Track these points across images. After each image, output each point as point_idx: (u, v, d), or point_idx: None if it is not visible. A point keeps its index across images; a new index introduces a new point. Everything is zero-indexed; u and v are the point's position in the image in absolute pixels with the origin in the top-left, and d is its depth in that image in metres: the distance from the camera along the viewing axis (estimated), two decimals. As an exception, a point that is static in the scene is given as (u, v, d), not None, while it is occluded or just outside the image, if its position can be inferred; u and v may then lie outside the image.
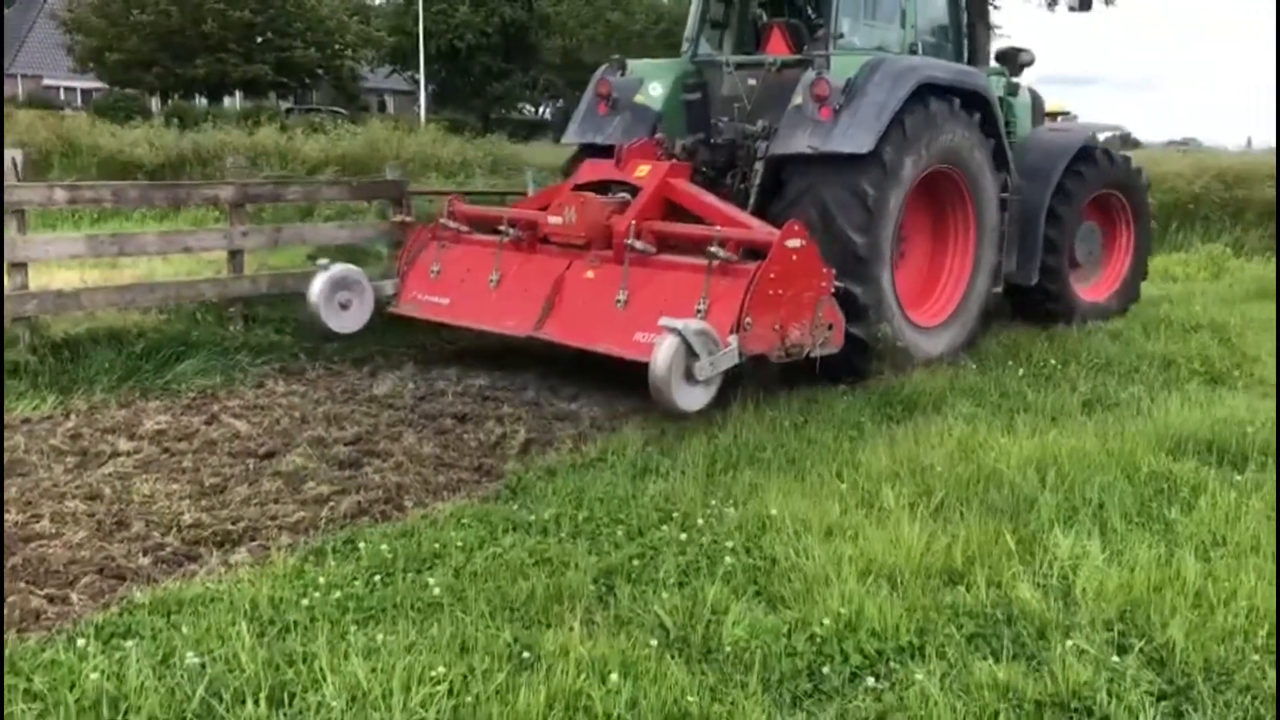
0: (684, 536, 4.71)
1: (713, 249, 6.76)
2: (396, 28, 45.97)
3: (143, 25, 34.49)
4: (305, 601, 4.04)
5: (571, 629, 3.88)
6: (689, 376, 6.18)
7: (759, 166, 8.04)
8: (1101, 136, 11.09)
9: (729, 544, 4.64)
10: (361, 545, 4.60)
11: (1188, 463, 5.83)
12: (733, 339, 6.41)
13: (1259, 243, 16.77)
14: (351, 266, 8.20)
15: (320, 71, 40.08)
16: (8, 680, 3.44)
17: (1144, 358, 8.53)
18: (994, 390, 7.49)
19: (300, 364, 7.94)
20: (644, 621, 3.98)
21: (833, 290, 7.02)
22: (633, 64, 9.28)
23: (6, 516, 4.83)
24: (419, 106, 45.60)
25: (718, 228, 7.09)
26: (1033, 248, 9.55)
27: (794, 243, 6.76)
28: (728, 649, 3.75)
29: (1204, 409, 6.86)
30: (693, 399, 6.27)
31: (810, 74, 7.84)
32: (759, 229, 7.14)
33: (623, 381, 7.65)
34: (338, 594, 4.12)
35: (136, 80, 36.09)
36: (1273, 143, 45.11)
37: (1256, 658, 3.72)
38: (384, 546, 4.56)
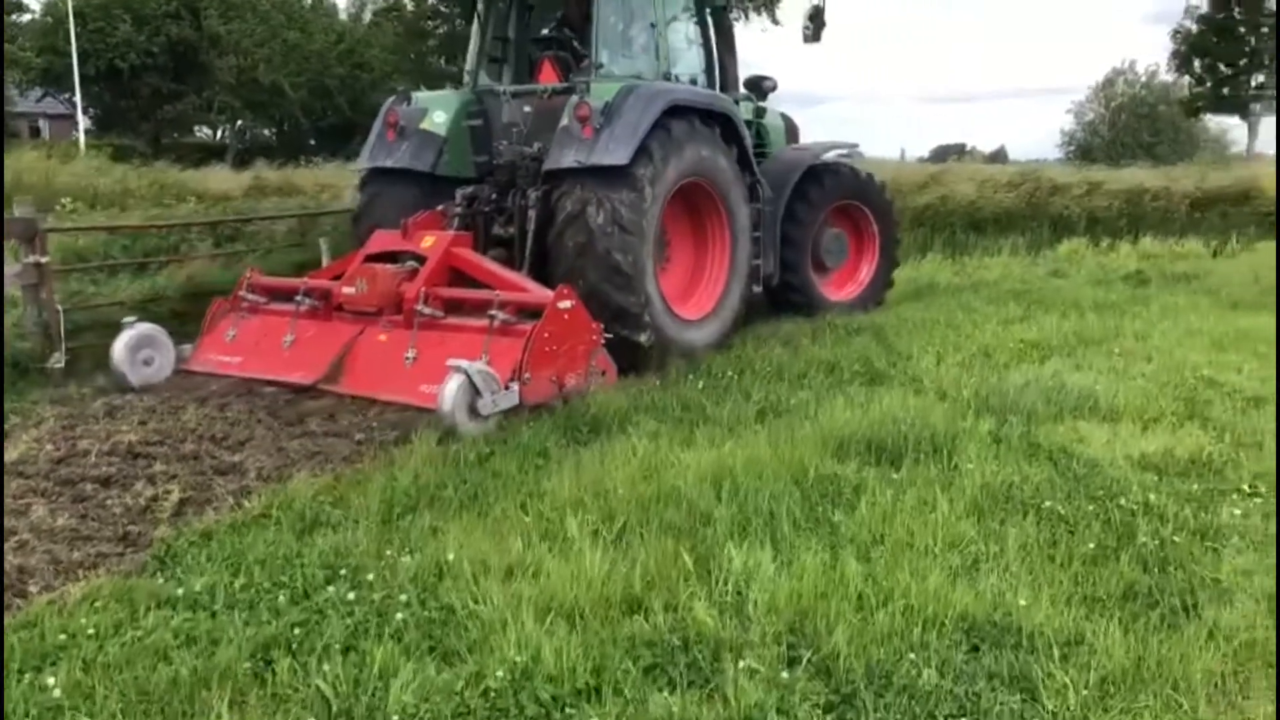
0: (353, 595, 4.39)
1: (493, 312, 7.56)
2: (47, 47, 42.01)
3: None
4: (-111, 726, 3.43)
5: (220, 716, 3.50)
6: (473, 411, 6.86)
7: (530, 194, 9.01)
8: (835, 153, 12.31)
9: (402, 598, 4.37)
10: (-31, 647, 3.98)
11: (851, 464, 6.12)
12: (513, 384, 7.16)
13: (910, 246, 18.24)
14: (154, 326, 8.43)
15: (-47, 95, 35.97)
16: None
17: (811, 363, 8.97)
18: (676, 404, 7.61)
19: (-88, 432, 6.92)
20: (303, 697, 3.65)
21: (603, 341, 7.90)
22: (418, 95, 10.17)
23: None
24: (77, 132, 41.87)
25: (497, 292, 7.88)
26: (776, 251, 10.87)
27: (565, 304, 7.62)
28: (394, 718, 3.49)
29: (864, 409, 7.25)
30: (476, 431, 6.83)
31: (574, 98, 8.81)
32: (535, 291, 7.99)
33: (295, 423, 7.22)
34: (-67, 711, 3.52)
35: None
36: (925, 154, 49.59)
37: (912, 655, 3.88)
38: (-3, 645, 3.96)
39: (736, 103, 10.52)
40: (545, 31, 10.42)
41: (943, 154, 50.08)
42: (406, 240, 8.72)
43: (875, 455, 6.29)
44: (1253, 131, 45.84)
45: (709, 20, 10.76)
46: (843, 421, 6.86)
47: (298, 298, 8.57)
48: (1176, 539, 4.95)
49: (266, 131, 51.72)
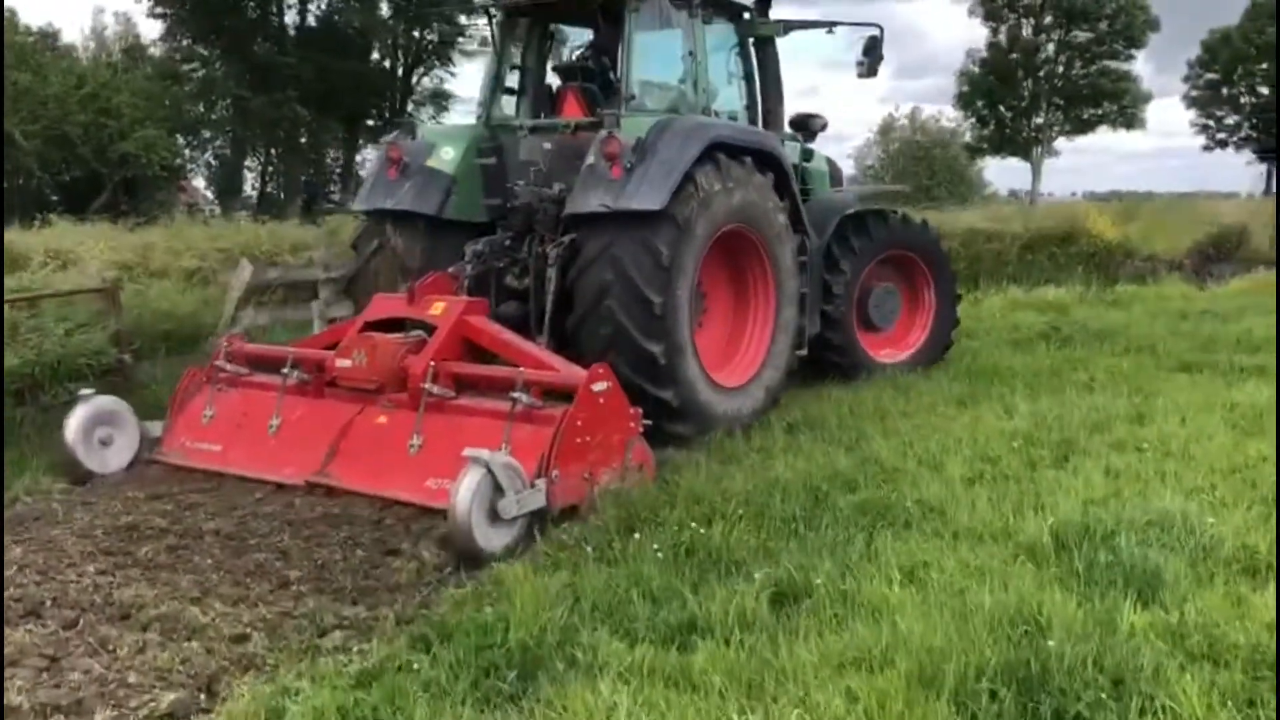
0: None
1: (516, 393, 6.37)
2: None
3: None
4: None
5: None
6: (493, 515, 5.53)
7: (549, 250, 8.00)
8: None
9: None
10: None
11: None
12: (540, 481, 5.90)
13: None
14: (115, 399, 7.28)
15: None
16: None
17: (786, 491, 6.26)
18: (637, 595, 4.86)
19: None
20: None
21: (641, 430, 6.68)
22: (424, 129, 9.25)
23: None
24: None
25: (521, 369, 6.72)
26: (817, 307, 9.69)
27: (600, 385, 6.48)
28: None
29: (930, 593, 4.75)
30: (496, 540, 5.56)
31: (601, 133, 7.77)
32: (564, 371, 6.78)
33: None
34: None
35: None
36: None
37: None
38: None
39: (782, 142, 9.51)
40: (569, 60, 9.44)
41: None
42: (412, 306, 7.54)
43: (1027, 707, 3.76)
44: (1036, 172, 47.16)
45: (752, 52, 9.72)
46: (927, 626, 4.30)
47: (284, 370, 7.30)
48: None
49: (-4, 187, 45.44)
